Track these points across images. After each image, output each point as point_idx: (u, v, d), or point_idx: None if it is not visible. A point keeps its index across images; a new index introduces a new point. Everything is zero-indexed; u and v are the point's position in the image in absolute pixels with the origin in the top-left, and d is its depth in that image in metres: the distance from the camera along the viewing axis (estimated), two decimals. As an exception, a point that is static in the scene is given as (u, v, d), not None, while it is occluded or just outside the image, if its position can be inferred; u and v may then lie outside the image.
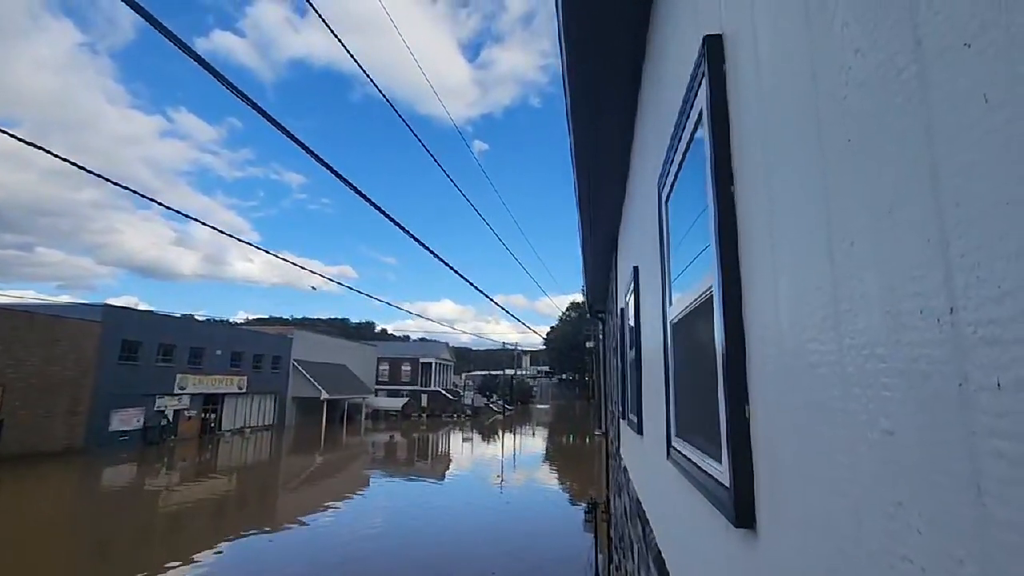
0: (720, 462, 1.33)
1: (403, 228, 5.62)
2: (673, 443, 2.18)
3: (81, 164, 4.37)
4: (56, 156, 4.28)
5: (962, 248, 0.49)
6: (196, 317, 36.86)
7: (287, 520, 15.10)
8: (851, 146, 0.71)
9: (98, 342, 25.83)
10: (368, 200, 4.79)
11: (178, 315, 33.78)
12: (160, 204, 5.17)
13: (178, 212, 5.43)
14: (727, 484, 1.24)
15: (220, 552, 12.19)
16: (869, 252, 0.67)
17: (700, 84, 1.46)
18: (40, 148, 4.13)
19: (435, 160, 7.89)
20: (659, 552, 2.85)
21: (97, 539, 13.16)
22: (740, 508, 1.17)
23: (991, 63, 0.45)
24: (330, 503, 17.21)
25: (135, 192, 4.96)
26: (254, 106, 3.40)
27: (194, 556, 11.74)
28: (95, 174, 4.57)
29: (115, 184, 4.80)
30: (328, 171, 4.19)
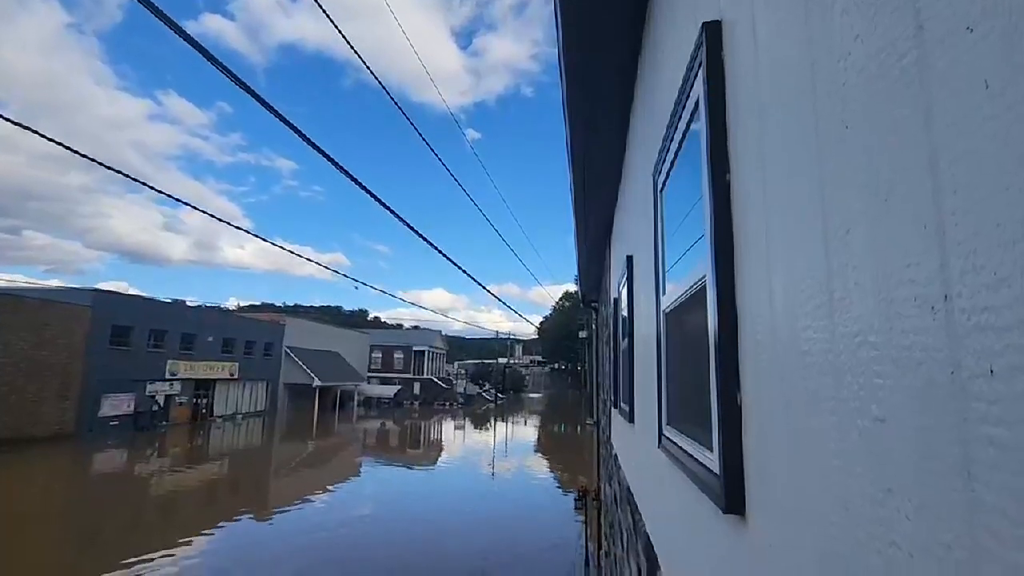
0: (711, 449, 1.33)
1: (395, 213, 5.59)
2: (664, 431, 2.19)
3: (72, 147, 4.30)
4: (48, 139, 4.21)
5: (959, 236, 0.49)
6: (187, 303, 36.58)
7: (278, 505, 15.14)
8: (849, 133, 0.70)
9: (88, 327, 25.62)
10: (360, 185, 4.75)
11: (168, 300, 33.55)
12: (152, 188, 5.11)
13: (170, 196, 5.37)
14: (717, 471, 1.25)
15: (210, 536, 12.23)
16: (865, 240, 0.67)
17: (698, 72, 1.45)
18: (31, 130, 4.06)
19: (426, 143, 7.83)
20: (648, 538, 2.88)
21: (85, 523, 13.15)
22: (729, 494, 1.18)
23: (993, 48, 0.45)
24: (323, 489, 17.28)
25: (126, 176, 4.89)
26: (245, 87, 3.35)
27: (184, 541, 11.77)
28: (87, 157, 4.50)
29: (106, 168, 4.73)
30: (320, 155, 4.15)
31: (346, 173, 4.54)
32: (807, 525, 0.84)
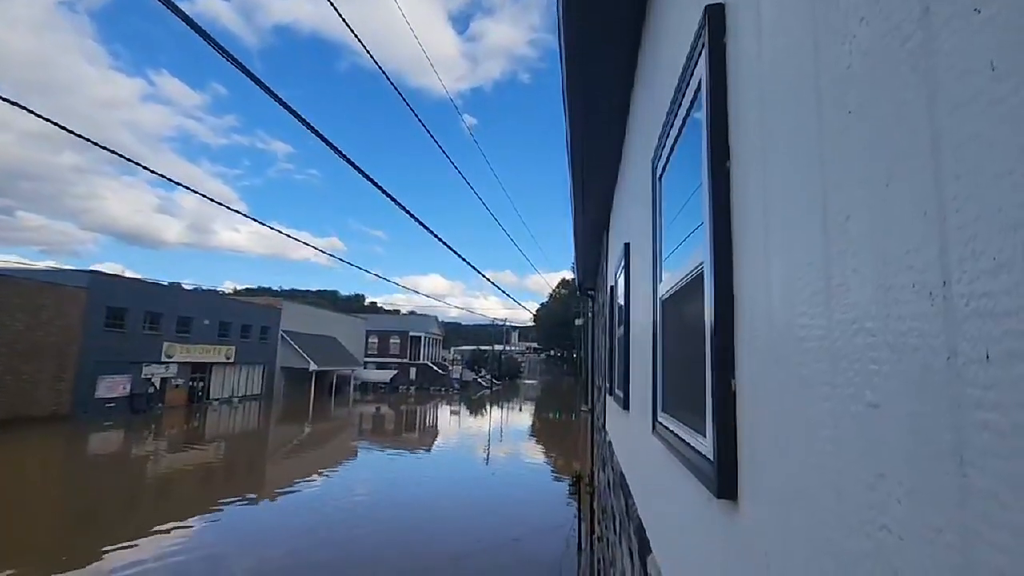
0: (704, 435, 1.34)
1: (392, 197, 5.56)
2: (659, 418, 2.21)
3: (66, 126, 4.24)
4: (42, 117, 4.16)
5: (959, 221, 0.49)
6: (183, 286, 36.47)
7: (275, 488, 15.24)
8: (851, 118, 0.70)
9: (83, 309, 25.55)
10: (357, 168, 4.72)
11: (165, 283, 33.48)
12: (147, 169, 5.06)
13: (169, 180, 5.32)
14: (710, 457, 1.26)
15: (207, 519, 12.32)
16: (864, 226, 0.66)
17: (699, 56, 1.44)
18: (24, 108, 4.00)
19: (424, 126, 7.77)
20: (640, 523, 2.91)
21: (82, 503, 13.22)
22: (722, 480, 1.19)
23: (1000, 30, 0.44)
24: (319, 471, 17.39)
25: (121, 156, 4.84)
26: (242, 68, 3.31)
27: (180, 523, 11.85)
28: (82, 137, 4.44)
29: (101, 147, 4.68)
30: (318, 137, 4.11)
31: (343, 156, 4.51)
32: (799, 509, 0.84)
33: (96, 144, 4.66)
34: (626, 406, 4.01)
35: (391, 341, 58.81)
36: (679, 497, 1.82)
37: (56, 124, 4.25)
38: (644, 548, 2.68)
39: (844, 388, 0.70)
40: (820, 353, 0.78)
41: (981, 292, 0.46)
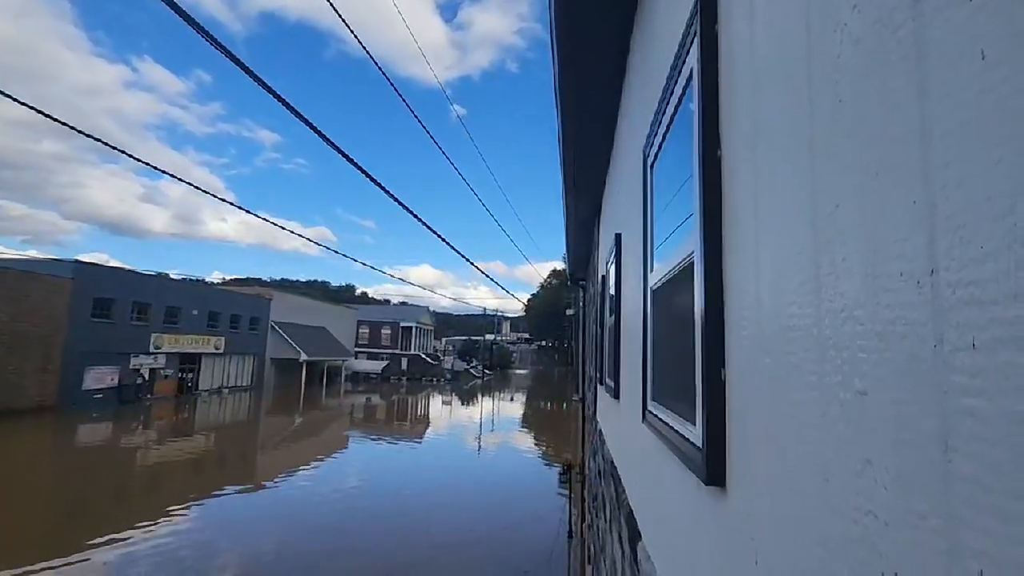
0: (694, 424, 1.35)
1: (378, 184, 5.52)
2: (649, 407, 2.22)
3: (49, 113, 4.16)
4: (24, 104, 4.07)
5: (948, 209, 0.49)
6: (171, 276, 36.08)
7: (267, 479, 15.22)
8: (842, 107, 0.70)
9: (69, 299, 25.20)
10: (343, 154, 4.67)
11: (152, 273, 33.04)
12: (131, 157, 4.98)
13: (154, 168, 5.24)
14: (699, 444, 1.27)
15: (200, 511, 12.29)
16: (854, 215, 0.66)
17: (691, 44, 1.43)
18: (5, 95, 3.91)
19: (413, 113, 7.70)
20: (631, 510, 2.94)
21: (70, 495, 13.13)
22: (711, 467, 1.20)
23: (991, 18, 0.44)
24: (313, 461, 17.38)
25: (106, 144, 4.76)
26: (225, 51, 3.25)
27: (170, 515, 11.82)
28: (65, 124, 4.36)
29: (85, 135, 4.60)
30: (307, 126, 4.06)
31: (329, 142, 4.46)
32: (786, 496, 0.85)
33: (79, 131, 4.58)
34: (617, 395, 4.03)
35: (382, 331, 58.68)
36: (669, 484, 1.84)
37: (37, 111, 4.16)
38: (634, 534, 2.71)
39: (832, 376, 0.71)
40: (809, 342, 0.79)
41: (968, 280, 0.46)
